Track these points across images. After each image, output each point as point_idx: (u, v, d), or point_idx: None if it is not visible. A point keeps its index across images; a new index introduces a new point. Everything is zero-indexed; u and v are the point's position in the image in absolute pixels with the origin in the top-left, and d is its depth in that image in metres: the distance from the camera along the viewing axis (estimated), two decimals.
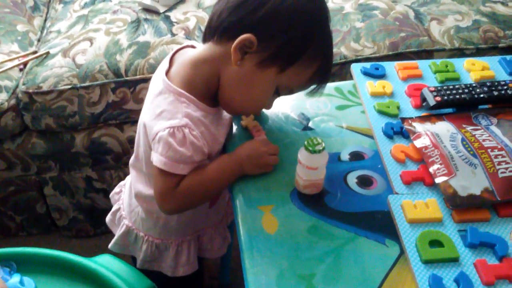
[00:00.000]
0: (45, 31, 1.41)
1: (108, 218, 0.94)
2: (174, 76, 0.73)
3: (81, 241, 1.44)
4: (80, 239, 1.44)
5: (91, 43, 1.26)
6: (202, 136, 0.71)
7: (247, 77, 0.71)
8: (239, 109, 0.77)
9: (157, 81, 0.75)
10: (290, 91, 0.76)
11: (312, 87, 0.77)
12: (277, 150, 0.74)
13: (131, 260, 0.93)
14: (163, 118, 0.70)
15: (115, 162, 1.31)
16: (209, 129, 0.73)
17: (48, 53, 1.26)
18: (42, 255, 0.75)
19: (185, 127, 0.69)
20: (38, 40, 1.39)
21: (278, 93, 0.74)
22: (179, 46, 0.79)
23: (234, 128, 0.81)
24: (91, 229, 1.44)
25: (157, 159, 0.70)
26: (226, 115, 0.79)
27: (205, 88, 0.73)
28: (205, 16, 1.33)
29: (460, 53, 1.21)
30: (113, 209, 0.93)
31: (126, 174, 0.89)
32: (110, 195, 0.96)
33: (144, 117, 0.74)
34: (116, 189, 0.95)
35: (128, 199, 0.88)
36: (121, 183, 0.95)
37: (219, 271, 1.30)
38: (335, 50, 1.22)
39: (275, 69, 0.70)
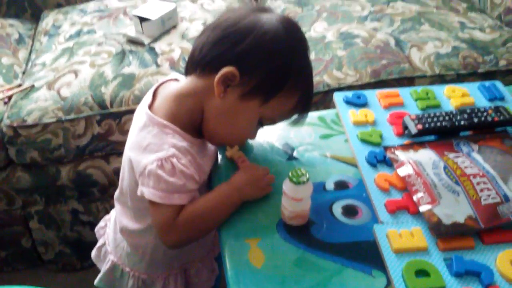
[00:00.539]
0: (30, 64, 1.41)
1: (93, 253, 0.92)
2: (158, 110, 0.73)
3: (68, 275, 1.41)
4: (67, 273, 1.41)
5: (76, 76, 1.26)
6: (190, 164, 0.71)
7: (231, 110, 0.71)
8: (223, 141, 0.77)
9: (141, 115, 0.75)
10: (273, 121, 0.77)
11: (295, 116, 0.78)
12: (268, 170, 0.76)
13: None
14: (150, 151, 0.70)
15: (101, 194, 1.30)
16: (195, 158, 0.73)
17: (33, 86, 1.26)
18: None
19: (172, 157, 0.69)
20: (23, 73, 1.39)
21: (261, 123, 0.75)
22: (162, 80, 0.79)
23: (219, 158, 0.82)
24: (77, 263, 1.41)
25: (149, 193, 0.69)
26: (211, 146, 0.79)
27: (189, 121, 0.73)
28: (190, 47, 1.34)
29: (440, 79, 1.23)
30: (98, 244, 0.92)
31: (113, 206, 0.88)
32: (95, 230, 0.95)
33: (129, 152, 0.74)
34: (101, 223, 0.94)
35: (113, 234, 0.87)
36: (106, 217, 0.94)
37: None
38: (318, 78, 1.23)
39: (257, 100, 0.70)
